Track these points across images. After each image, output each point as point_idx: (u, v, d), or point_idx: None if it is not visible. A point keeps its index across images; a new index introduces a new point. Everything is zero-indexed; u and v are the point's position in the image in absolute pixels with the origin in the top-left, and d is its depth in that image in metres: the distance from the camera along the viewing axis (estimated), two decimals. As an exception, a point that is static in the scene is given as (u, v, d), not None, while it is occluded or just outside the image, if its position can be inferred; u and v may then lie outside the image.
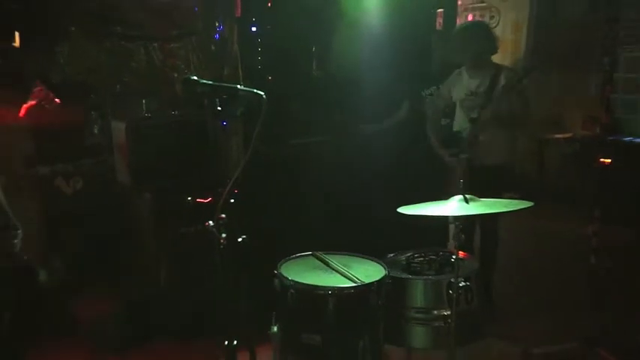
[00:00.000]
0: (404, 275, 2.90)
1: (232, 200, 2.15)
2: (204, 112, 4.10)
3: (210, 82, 2.17)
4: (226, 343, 2.17)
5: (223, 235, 2.14)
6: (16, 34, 4.13)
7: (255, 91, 2.18)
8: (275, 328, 2.66)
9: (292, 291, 2.62)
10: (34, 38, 4.18)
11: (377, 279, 2.66)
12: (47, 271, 3.23)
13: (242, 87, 2.27)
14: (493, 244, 4.31)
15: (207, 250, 2.23)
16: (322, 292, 2.59)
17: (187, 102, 4.40)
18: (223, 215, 2.15)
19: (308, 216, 4.06)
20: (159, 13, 4.75)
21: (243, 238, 2.17)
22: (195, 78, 2.16)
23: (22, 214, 3.08)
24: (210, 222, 2.15)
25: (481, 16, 8.02)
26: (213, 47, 4.94)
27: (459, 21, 7.46)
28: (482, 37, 4.23)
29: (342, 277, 2.71)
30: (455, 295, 2.64)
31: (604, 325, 3.50)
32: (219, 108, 2.15)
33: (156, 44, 4.77)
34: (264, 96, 2.14)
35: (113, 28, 4.59)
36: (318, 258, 2.95)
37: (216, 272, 2.14)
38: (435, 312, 2.79)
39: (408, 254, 3.12)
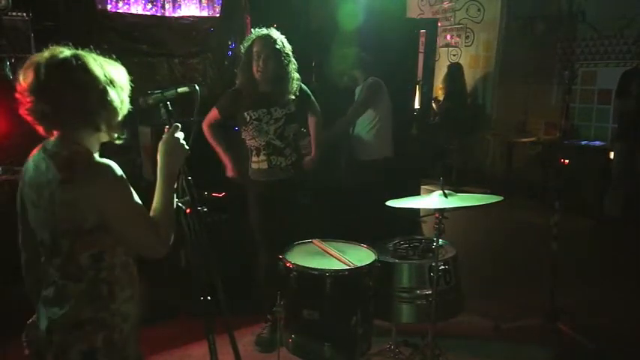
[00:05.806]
0: (391, 259, 2.87)
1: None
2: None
3: (158, 92, 1.88)
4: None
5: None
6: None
7: (192, 85, 1.92)
8: (280, 305, 2.63)
9: (295, 273, 2.59)
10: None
11: (368, 263, 2.64)
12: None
13: (180, 86, 1.94)
14: None
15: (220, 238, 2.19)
16: (320, 274, 2.56)
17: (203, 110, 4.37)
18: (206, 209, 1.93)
19: (309, 208, 4.01)
20: (180, 33, 4.73)
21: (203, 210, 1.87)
22: (149, 92, 1.85)
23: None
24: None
25: (458, 36, 7.98)
26: (226, 62, 4.92)
27: (439, 41, 7.46)
28: None
29: (338, 261, 2.68)
30: (435, 277, 2.62)
31: (563, 303, 3.48)
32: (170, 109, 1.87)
33: (177, 60, 4.75)
34: (196, 87, 1.90)
35: (140, 46, 4.57)
36: (317, 245, 2.92)
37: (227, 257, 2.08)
38: (418, 291, 2.77)
39: (395, 241, 3.09)
